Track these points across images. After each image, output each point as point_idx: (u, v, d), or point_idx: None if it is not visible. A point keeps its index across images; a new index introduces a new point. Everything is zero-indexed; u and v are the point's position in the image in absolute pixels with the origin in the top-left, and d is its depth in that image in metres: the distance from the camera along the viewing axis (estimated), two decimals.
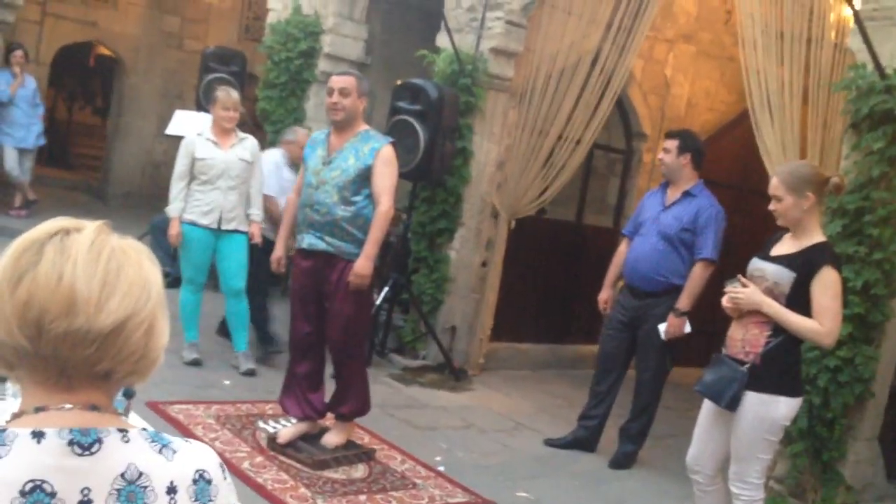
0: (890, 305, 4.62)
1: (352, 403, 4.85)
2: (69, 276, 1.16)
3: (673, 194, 5.55)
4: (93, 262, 1.18)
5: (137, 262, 1.23)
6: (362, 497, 4.42)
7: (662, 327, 5.41)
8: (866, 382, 4.65)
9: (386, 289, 6.90)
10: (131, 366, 1.21)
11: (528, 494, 4.89)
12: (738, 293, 3.74)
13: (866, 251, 4.55)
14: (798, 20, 5.05)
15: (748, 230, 8.54)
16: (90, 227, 1.23)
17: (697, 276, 5.36)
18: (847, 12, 4.77)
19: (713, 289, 8.08)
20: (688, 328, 5.40)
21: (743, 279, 3.79)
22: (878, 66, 4.52)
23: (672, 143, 5.50)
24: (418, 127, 6.58)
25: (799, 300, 3.66)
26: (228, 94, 5.93)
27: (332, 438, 4.84)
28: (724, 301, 3.81)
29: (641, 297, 5.53)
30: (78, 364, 1.18)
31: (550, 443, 5.85)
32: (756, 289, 3.74)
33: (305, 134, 6.63)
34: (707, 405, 3.93)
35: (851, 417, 4.73)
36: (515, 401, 6.86)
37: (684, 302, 5.35)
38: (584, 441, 5.80)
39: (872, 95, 4.55)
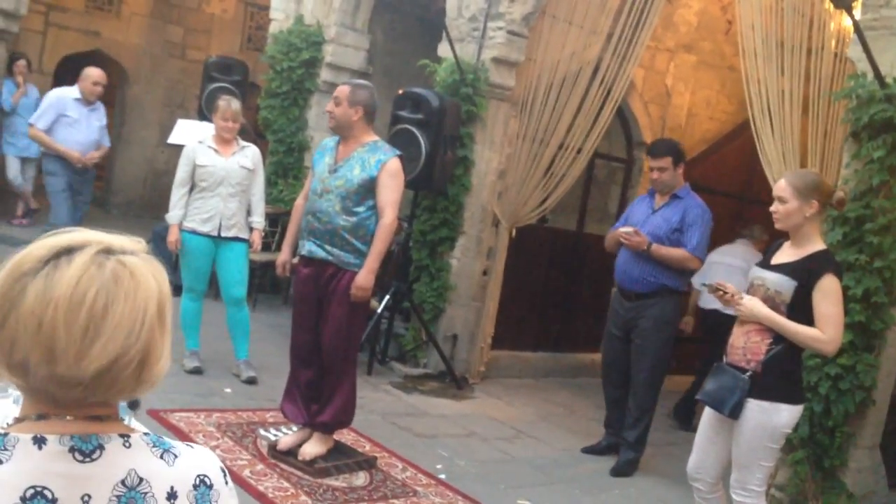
0: (890, 313, 4.62)
1: (334, 412, 4.73)
2: (48, 323, 1.12)
3: (661, 199, 5.69)
4: (76, 306, 1.12)
5: (131, 290, 1.17)
6: None
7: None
8: (867, 390, 4.65)
9: (387, 297, 6.91)
10: (127, 394, 1.20)
11: (529, 502, 4.89)
12: (739, 304, 3.75)
13: (867, 259, 4.55)
14: (798, 30, 5.07)
15: None
16: (83, 256, 1.16)
17: (680, 253, 5.46)
18: (847, 22, 4.79)
19: None
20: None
21: (715, 284, 3.82)
22: (878, 76, 4.53)
23: (666, 161, 5.58)
24: (419, 136, 6.59)
25: (800, 308, 3.67)
26: (229, 105, 5.94)
27: (309, 449, 4.72)
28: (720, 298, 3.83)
29: (633, 298, 5.63)
30: (69, 399, 1.17)
31: (587, 450, 5.94)
32: (757, 300, 3.75)
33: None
34: (708, 413, 3.93)
35: (852, 425, 4.73)
36: (516, 409, 6.86)
37: (655, 246, 5.44)
38: (616, 446, 5.86)
39: (872, 104, 4.56)
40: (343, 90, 4.69)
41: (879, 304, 4.57)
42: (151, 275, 1.21)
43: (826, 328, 3.63)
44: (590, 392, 7.44)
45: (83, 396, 1.17)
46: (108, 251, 1.18)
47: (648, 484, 5.58)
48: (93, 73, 7.59)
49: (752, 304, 3.73)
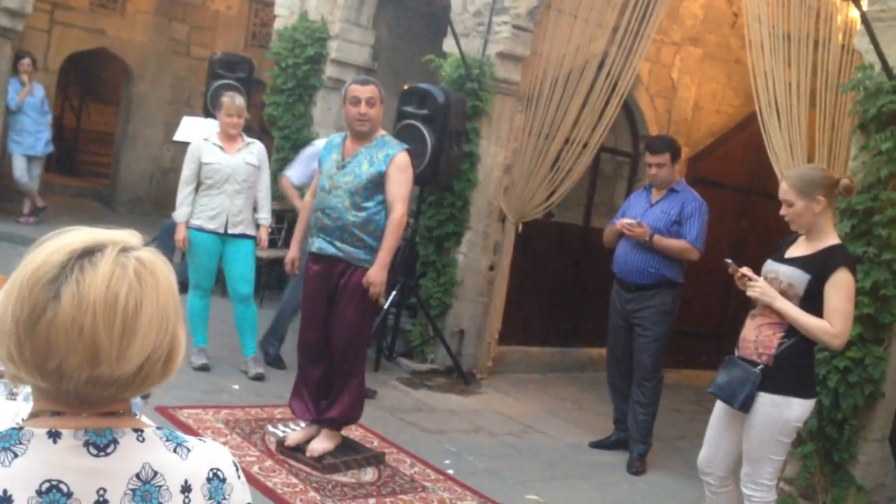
0: None
1: (343, 408, 4.73)
2: (89, 328, 1.13)
3: (658, 193, 5.76)
4: (111, 308, 1.14)
5: (154, 288, 1.19)
6: (371, 500, 4.43)
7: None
8: (876, 383, 4.63)
9: (394, 293, 6.90)
10: (152, 387, 1.23)
11: (538, 497, 4.89)
12: (754, 284, 3.74)
13: (875, 252, 4.54)
14: (805, 22, 5.05)
15: (756, 232, 8.55)
16: (106, 257, 1.17)
17: (681, 244, 5.54)
18: (854, 13, 4.77)
19: (721, 292, 8.08)
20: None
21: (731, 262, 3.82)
22: (886, 67, 4.51)
23: (664, 157, 5.66)
24: (425, 131, 6.58)
25: (813, 302, 3.65)
26: (232, 101, 5.93)
27: (318, 445, 4.71)
28: (740, 281, 3.81)
29: (633, 290, 5.67)
30: (100, 399, 1.19)
31: (595, 444, 5.97)
32: (768, 285, 3.74)
33: None
34: (719, 406, 3.93)
35: (861, 418, 4.72)
36: (524, 404, 6.85)
37: (657, 237, 5.51)
38: (625, 442, 5.88)
39: (880, 96, 4.54)
40: (374, 90, 4.62)
41: (888, 297, 4.55)
42: (165, 268, 1.23)
43: (835, 322, 3.61)
44: (598, 386, 7.43)
45: (116, 394, 1.19)
46: (124, 250, 1.19)
47: (658, 478, 5.57)
48: None
49: (764, 288, 3.72)
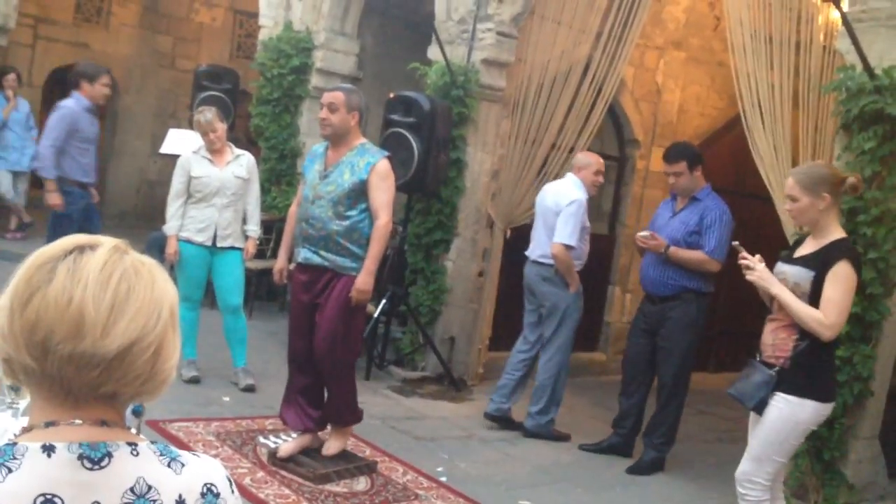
0: (886, 304, 4.64)
1: (341, 415, 4.84)
2: (78, 299, 1.16)
3: (682, 202, 5.74)
4: (103, 284, 1.18)
5: (150, 283, 1.23)
6: None
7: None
8: (865, 381, 4.66)
9: (383, 301, 6.91)
10: (137, 388, 1.22)
11: (531, 503, 4.89)
12: (753, 266, 3.76)
13: (861, 251, 4.56)
14: (786, 24, 5.09)
15: (743, 234, 8.56)
16: (105, 247, 1.23)
17: (698, 255, 5.49)
18: (835, 15, 4.81)
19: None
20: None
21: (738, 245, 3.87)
22: (867, 67, 4.55)
23: (680, 166, 5.62)
24: (412, 139, 6.60)
25: (818, 298, 3.67)
26: (199, 121, 5.92)
27: (332, 445, 4.83)
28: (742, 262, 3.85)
29: (657, 302, 5.68)
30: (83, 385, 1.19)
31: (587, 448, 5.94)
32: (768, 271, 3.78)
33: None
34: (752, 416, 3.92)
35: (851, 417, 4.74)
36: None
37: (672, 249, 5.49)
38: (618, 447, 5.89)
39: (862, 96, 4.58)
40: (338, 96, 4.64)
41: (875, 296, 4.59)
42: (165, 276, 1.28)
43: (829, 312, 3.61)
44: (589, 391, 7.46)
45: (98, 381, 1.18)
46: (125, 251, 1.25)
47: (650, 481, 5.58)
48: (595, 161, 6.09)
49: (762, 273, 3.74)
